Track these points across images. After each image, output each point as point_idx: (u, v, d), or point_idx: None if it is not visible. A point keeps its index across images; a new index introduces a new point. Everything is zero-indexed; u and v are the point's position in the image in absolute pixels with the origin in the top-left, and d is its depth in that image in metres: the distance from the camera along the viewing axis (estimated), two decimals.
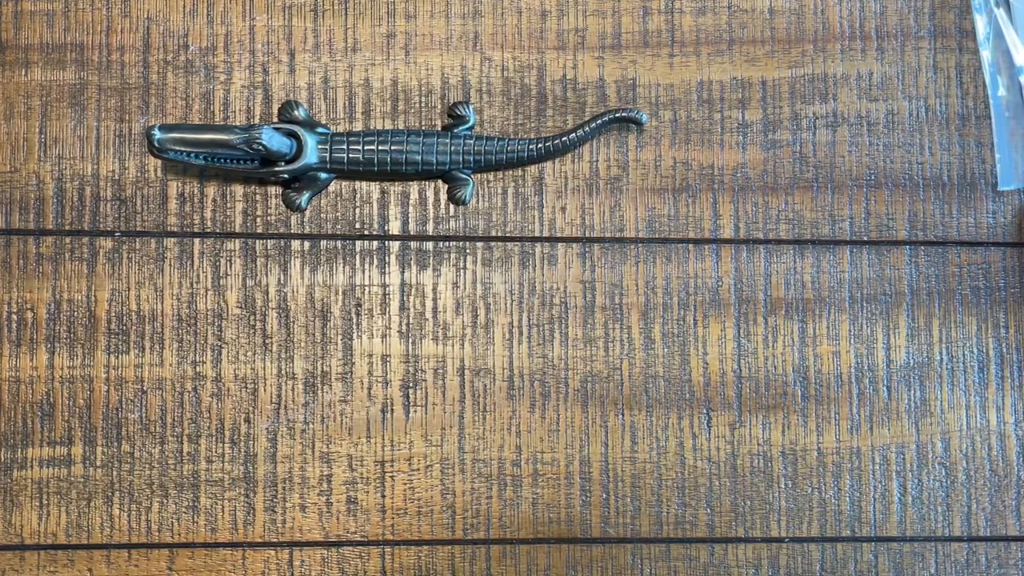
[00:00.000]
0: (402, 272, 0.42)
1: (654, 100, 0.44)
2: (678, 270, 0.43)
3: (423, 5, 0.44)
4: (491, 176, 0.43)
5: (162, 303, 0.42)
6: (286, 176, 0.41)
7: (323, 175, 0.42)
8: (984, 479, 0.43)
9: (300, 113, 0.42)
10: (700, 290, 0.43)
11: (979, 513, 0.43)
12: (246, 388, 0.42)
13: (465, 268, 0.43)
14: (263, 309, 0.42)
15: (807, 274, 0.43)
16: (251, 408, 0.42)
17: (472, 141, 0.42)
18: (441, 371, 0.42)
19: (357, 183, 0.43)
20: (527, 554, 0.42)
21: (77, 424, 0.41)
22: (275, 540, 0.41)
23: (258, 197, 0.42)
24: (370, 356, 0.42)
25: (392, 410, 0.42)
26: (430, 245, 0.43)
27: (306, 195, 0.42)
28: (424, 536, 0.41)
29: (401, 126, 0.43)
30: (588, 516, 0.42)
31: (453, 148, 0.42)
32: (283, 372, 0.42)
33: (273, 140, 0.40)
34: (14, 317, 0.41)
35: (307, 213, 0.42)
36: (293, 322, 0.42)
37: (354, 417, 0.42)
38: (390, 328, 0.42)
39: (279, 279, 0.42)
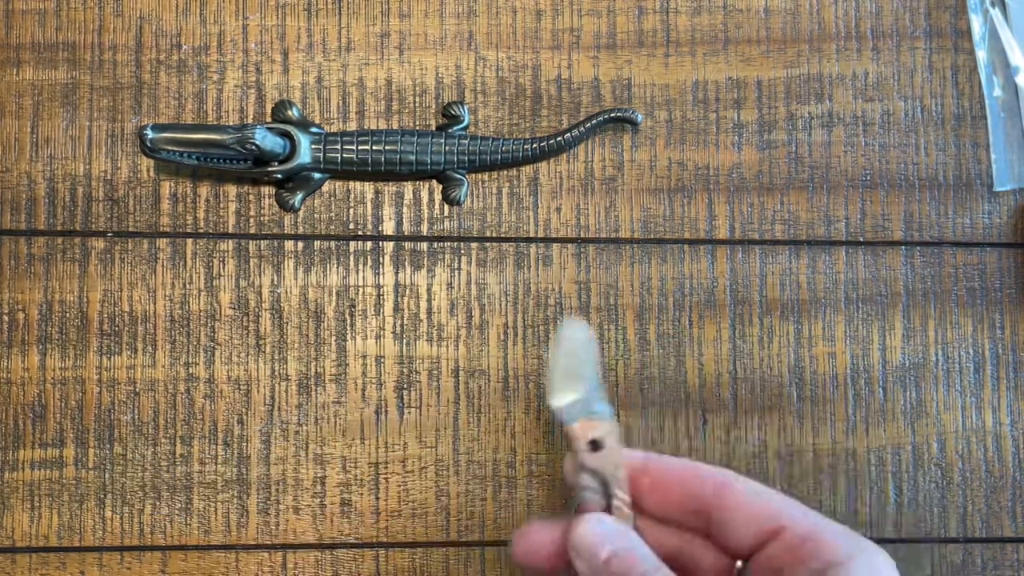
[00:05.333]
0: (396, 273, 0.42)
1: (649, 100, 0.44)
2: (673, 271, 0.43)
3: (417, 4, 0.43)
4: (486, 176, 0.43)
5: (154, 304, 0.42)
6: (279, 176, 0.41)
7: (317, 175, 0.42)
8: (980, 480, 0.43)
9: (294, 113, 0.42)
10: (695, 291, 0.43)
11: (975, 514, 0.43)
12: (239, 389, 0.41)
13: (459, 269, 0.42)
14: (256, 310, 0.42)
15: (803, 275, 0.43)
16: (244, 409, 0.41)
17: (467, 141, 0.42)
18: (435, 372, 0.42)
19: (351, 183, 0.43)
20: None
21: (69, 426, 0.41)
22: (268, 542, 0.41)
23: (251, 197, 0.42)
24: (364, 357, 0.42)
25: (386, 411, 0.42)
26: (424, 246, 0.42)
27: (300, 195, 0.42)
28: (418, 538, 0.41)
29: (395, 126, 0.43)
30: None
31: (447, 148, 0.42)
32: (276, 373, 0.42)
33: (266, 140, 0.40)
34: (5, 318, 0.41)
35: (301, 213, 0.42)
36: (287, 323, 0.42)
37: (348, 419, 0.42)
38: (384, 329, 0.42)
39: (272, 280, 0.42)
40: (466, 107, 0.43)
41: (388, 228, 0.42)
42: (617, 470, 0.31)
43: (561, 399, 0.31)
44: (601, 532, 0.29)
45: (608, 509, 0.30)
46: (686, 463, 0.31)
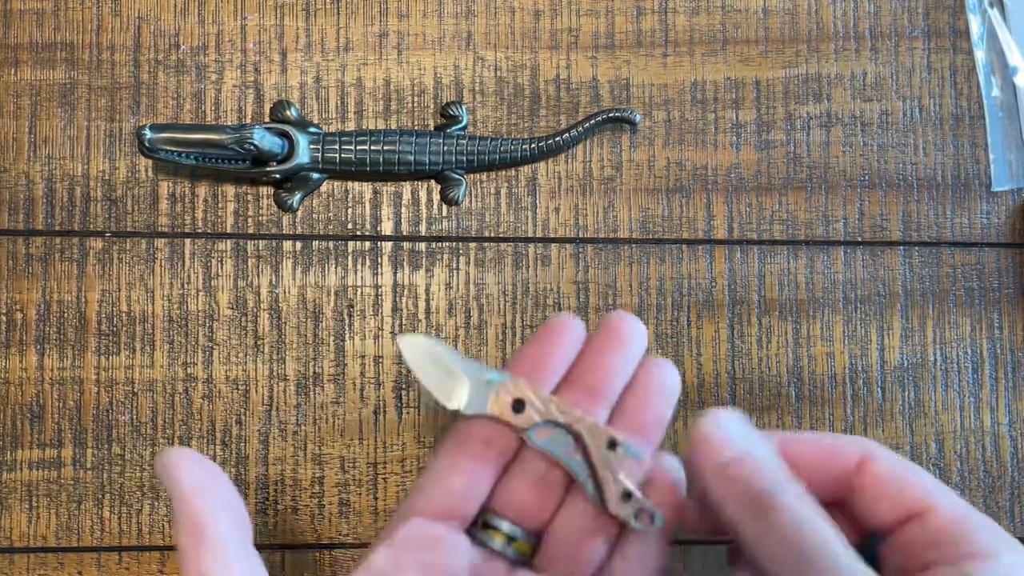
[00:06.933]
0: (395, 273, 0.42)
1: (648, 100, 0.44)
2: (672, 271, 0.43)
3: (416, 4, 0.43)
4: (484, 176, 0.43)
5: (153, 304, 0.42)
6: (278, 176, 0.41)
7: (315, 175, 0.42)
8: (978, 480, 0.43)
9: (292, 113, 0.42)
10: (694, 291, 0.43)
11: None
12: (237, 390, 0.41)
13: (458, 269, 0.42)
14: (255, 310, 0.42)
15: (801, 275, 0.43)
16: (242, 410, 0.41)
17: (465, 141, 0.42)
18: None
19: (349, 183, 0.43)
20: None
21: (67, 426, 0.41)
22: (267, 542, 0.41)
23: (249, 197, 0.42)
24: (362, 357, 0.42)
25: (385, 411, 0.42)
26: (423, 246, 0.42)
27: (298, 195, 0.42)
28: None
29: (394, 126, 0.43)
30: None
31: (446, 148, 0.42)
32: (275, 373, 0.42)
33: (265, 140, 0.40)
34: (3, 318, 0.41)
35: (299, 213, 0.42)
36: (285, 323, 0.42)
37: (346, 419, 0.42)
38: (383, 329, 0.42)
39: (271, 280, 0.42)
40: (464, 107, 0.43)
41: (386, 228, 0.42)
42: (554, 405, 0.31)
43: (456, 400, 0.31)
44: (732, 429, 0.28)
45: (582, 445, 0.30)
46: (823, 435, 0.30)
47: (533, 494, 0.32)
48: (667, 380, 0.33)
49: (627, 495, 0.31)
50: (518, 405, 0.31)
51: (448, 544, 0.31)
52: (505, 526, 0.32)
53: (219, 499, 0.30)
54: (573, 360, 0.33)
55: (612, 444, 0.31)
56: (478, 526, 0.32)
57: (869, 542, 0.28)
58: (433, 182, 0.43)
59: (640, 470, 0.31)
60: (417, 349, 0.32)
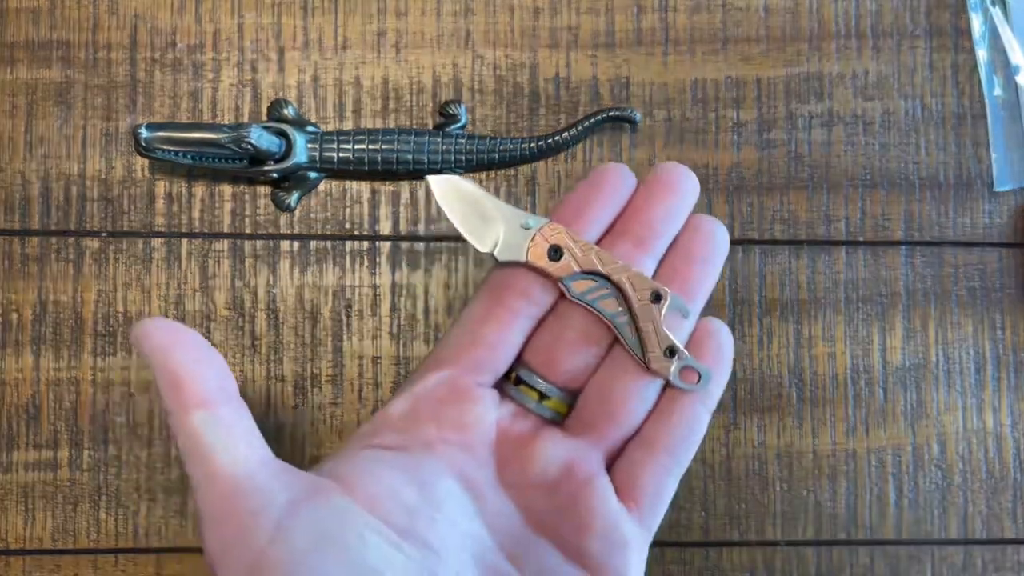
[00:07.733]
0: (393, 273, 0.42)
1: (648, 99, 0.43)
2: None
3: (414, 3, 0.43)
4: (483, 175, 0.43)
5: (149, 304, 0.41)
6: (275, 175, 0.41)
7: (313, 174, 0.41)
8: (980, 482, 0.43)
9: (289, 112, 0.42)
10: None
11: (975, 516, 0.42)
12: None
13: (457, 269, 0.42)
14: (252, 310, 0.41)
15: (802, 275, 0.43)
16: None
17: (464, 140, 0.42)
18: None
19: (347, 183, 0.42)
20: None
21: (63, 427, 0.41)
22: None
23: (247, 197, 0.42)
24: (360, 358, 0.42)
25: None
26: (421, 245, 0.42)
27: (295, 195, 0.42)
28: None
29: (392, 125, 0.43)
30: None
31: (445, 147, 0.41)
32: (272, 374, 0.41)
33: (262, 139, 0.39)
34: None
35: (296, 213, 0.42)
36: (282, 323, 0.41)
37: (344, 420, 0.41)
38: (381, 329, 0.42)
39: (268, 280, 0.42)
40: (463, 106, 0.42)
41: (385, 228, 0.42)
42: (594, 254, 0.29)
43: (489, 243, 0.29)
44: None
45: (624, 296, 0.29)
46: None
47: (570, 350, 0.30)
48: (716, 238, 0.31)
49: (671, 351, 0.29)
50: (555, 252, 0.29)
51: (476, 398, 0.30)
52: (540, 383, 0.30)
53: (193, 353, 0.29)
54: (620, 210, 0.31)
55: (657, 297, 0.29)
56: (510, 382, 0.31)
57: None
58: None
59: (687, 326, 0.29)
60: (448, 188, 0.30)
